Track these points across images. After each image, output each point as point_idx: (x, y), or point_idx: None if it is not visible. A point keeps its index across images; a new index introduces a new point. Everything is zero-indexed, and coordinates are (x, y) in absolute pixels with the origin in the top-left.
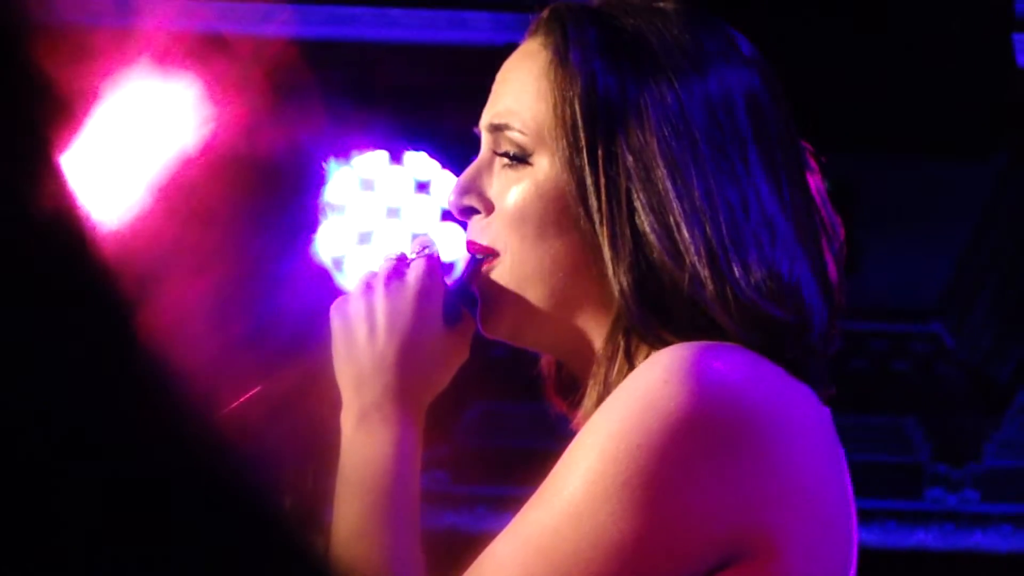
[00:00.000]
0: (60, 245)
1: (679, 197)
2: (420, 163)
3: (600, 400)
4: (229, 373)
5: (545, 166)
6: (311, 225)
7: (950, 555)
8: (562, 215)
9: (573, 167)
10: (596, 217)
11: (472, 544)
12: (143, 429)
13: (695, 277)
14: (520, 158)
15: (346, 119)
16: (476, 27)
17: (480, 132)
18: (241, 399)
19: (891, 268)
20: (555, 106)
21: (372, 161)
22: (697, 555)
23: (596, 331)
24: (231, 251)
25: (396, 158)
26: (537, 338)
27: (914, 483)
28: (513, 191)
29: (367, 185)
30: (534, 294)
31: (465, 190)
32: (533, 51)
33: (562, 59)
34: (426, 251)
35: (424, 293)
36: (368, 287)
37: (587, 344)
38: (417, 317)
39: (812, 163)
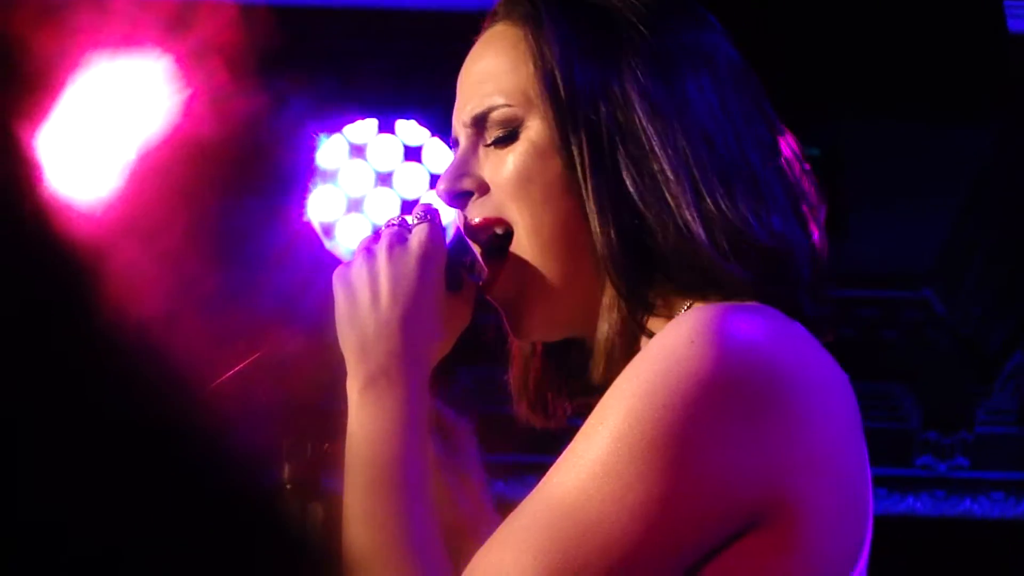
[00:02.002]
0: (21, 221)
1: (661, 140)
2: (410, 130)
3: (606, 357)
4: (226, 342)
5: (538, 125)
6: (302, 192)
7: (940, 522)
8: (563, 173)
9: (559, 119)
10: (580, 169)
11: None
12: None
13: (683, 219)
14: (512, 136)
15: (336, 86)
16: None
17: (455, 140)
18: (239, 367)
19: (882, 235)
20: (534, 62)
21: (362, 128)
22: (720, 518)
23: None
24: (218, 221)
25: (386, 125)
26: (567, 324)
27: (904, 450)
28: (511, 159)
29: (357, 152)
30: (555, 271)
31: (458, 175)
32: (497, 32)
33: (534, 23)
34: (428, 217)
35: (427, 259)
36: (370, 253)
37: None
38: (420, 282)
39: (781, 126)
